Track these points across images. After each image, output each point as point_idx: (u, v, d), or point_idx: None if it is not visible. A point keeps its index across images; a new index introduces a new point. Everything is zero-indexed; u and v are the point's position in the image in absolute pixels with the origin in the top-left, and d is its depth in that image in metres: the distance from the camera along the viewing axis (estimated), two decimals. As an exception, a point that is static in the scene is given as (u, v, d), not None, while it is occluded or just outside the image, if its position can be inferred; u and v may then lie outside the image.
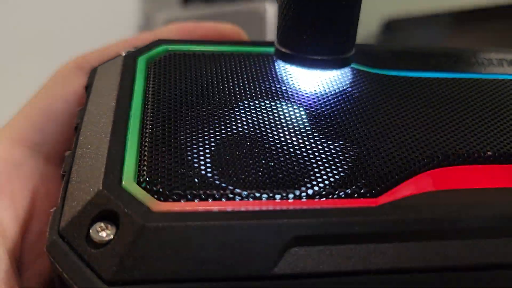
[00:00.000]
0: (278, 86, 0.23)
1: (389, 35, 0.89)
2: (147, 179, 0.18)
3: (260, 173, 0.18)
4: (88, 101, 0.22)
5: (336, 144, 0.20)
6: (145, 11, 1.09)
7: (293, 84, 0.23)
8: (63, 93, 0.24)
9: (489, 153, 0.20)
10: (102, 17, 0.97)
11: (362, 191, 0.18)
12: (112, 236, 0.16)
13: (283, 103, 0.22)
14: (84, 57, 0.26)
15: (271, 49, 0.24)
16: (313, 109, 0.22)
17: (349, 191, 0.18)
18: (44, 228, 0.22)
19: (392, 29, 0.88)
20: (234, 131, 0.20)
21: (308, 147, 0.20)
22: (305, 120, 0.21)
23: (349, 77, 0.24)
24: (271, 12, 0.91)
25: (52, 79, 0.25)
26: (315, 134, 0.20)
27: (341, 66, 0.23)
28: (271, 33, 0.85)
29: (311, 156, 0.19)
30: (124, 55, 0.24)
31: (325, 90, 0.23)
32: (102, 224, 0.17)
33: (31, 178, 0.21)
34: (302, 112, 0.21)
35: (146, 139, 0.19)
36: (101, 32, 0.96)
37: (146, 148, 0.19)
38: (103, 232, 0.17)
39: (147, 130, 0.20)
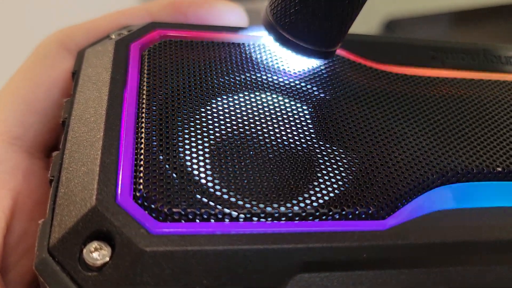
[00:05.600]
0: (281, 80, 0.21)
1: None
2: (144, 194, 0.16)
3: (265, 189, 0.17)
4: (76, 92, 0.20)
5: (343, 155, 0.19)
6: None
7: (297, 79, 0.22)
8: (46, 79, 0.22)
9: (499, 169, 0.20)
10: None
11: (370, 211, 0.17)
12: (107, 259, 0.15)
13: (286, 100, 0.21)
14: (68, 35, 0.24)
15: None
16: (318, 111, 0.20)
17: (357, 211, 0.17)
18: (27, 227, 0.20)
19: (393, 29, 0.89)
20: (236, 135, 0.19)
21: (314, 158, 0.19)
22: (309, 123, 0.20)
23: (356, 74, 0.22)
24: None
25: (32, 60, 0.23)
26: (320, 142, 0.19)
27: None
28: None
29: (317, 169, 0.18)
30: (114, 38, 0.22)
31: (333, 90, 0.21)
32: (96, 244, 0.16)
33: (12, 176, 0.20)
34: (307, 113, 0.20)
35: (142, 146, 0.18)
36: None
37: (141, 157, 0.17)
38: (97, 253, 0.16)
39: (143, 135, 0.18)
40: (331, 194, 0.18)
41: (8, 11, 0.77)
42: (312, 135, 0.19)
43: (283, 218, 0.17)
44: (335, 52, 0.22)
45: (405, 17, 0.87)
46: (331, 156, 0.19)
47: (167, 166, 0.17)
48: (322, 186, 0.18)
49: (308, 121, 0.20)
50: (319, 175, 0.18)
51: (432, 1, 0.80)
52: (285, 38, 0.20)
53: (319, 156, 0.19)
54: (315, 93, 0.21)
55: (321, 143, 0.19)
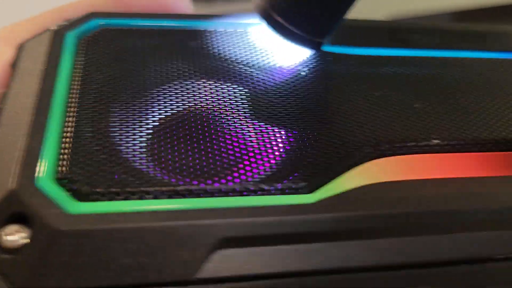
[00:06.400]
0: (218, 64, 0.21)
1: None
2: (65, 176, 0.16)
3: (190, 165, 0.17)
4: (12, 83, 0.21)
5: (272, 131, 0.19)
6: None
7: (235, 60, 0.21)
8: None
9: (436, 141, 0.19)
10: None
11: (298, 185, 0.17)
12: (24, 241, 0.15)
13: (223, 82, 0.21)
14: (10, 29, 0.24)
15: (216, 23, 0.23)
16: (253, 91, 0.20)
17: (284, 185, 0.17)
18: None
19: None
20: (168, 116, 0.19)
21: (245, 132, 0.19)
22: (243, 103, 0.20)
23: (297, 55, 0.22)
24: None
25: None
26: (253, 120, 0.19)
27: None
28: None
29: (247, 143, 0.18)
30: (53, 29, 0.22)
31: (268, 69, 0.21)
32: (15, 227, 0.16)
33: None
34: (242, 94, 0.20)
35: (68, 129, 0.18)
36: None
37: (66, 140, 0.17)
38: (16, 235, 0.15)
39: (70, 119, 0.18)
40: (259, 170, 0.17)
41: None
42: (246, 115, 0.19)
43: (207, 195, 0.17)
44: (323, 44, 0.21)
45: (405, 17, 0.88)
46: (263, 132, 0.19)
47: (93, 148, 0.17)
48: (251, 161, 0.18)
49: (244, 101, 0.20)
50: (249, 150, 0.18)
51: (432, 1, 0.80)
52: (279, 24, 0.20)
53: (251, 133, 0.19)
54: (253, 74, 0.21)
55: (254, 121, 0.19)
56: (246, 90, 0.20)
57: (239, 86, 0.20)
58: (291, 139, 0.19)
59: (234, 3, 0.90)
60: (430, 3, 0.80)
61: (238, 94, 0.20)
